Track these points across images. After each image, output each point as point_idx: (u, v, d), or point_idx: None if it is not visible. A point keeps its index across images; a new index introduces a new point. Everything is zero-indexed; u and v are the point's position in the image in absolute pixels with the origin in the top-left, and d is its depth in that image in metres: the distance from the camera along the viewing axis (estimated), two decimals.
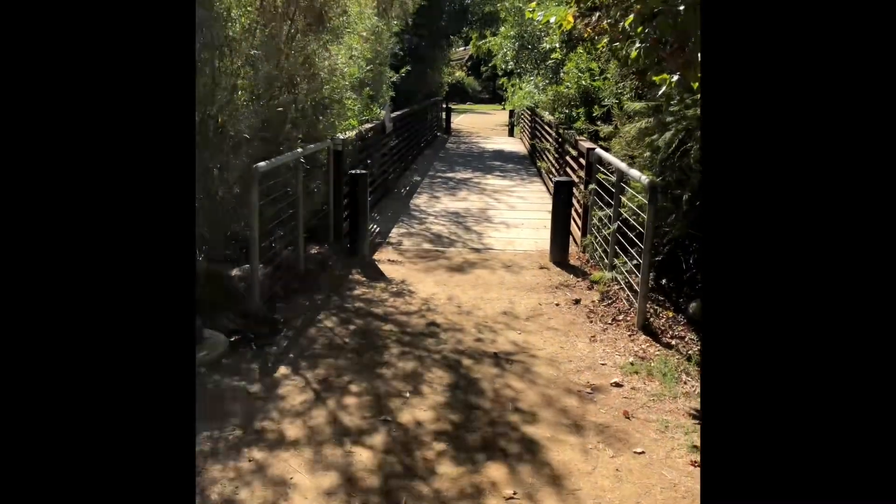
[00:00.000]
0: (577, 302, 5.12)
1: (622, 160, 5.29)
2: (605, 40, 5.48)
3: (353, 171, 6.37)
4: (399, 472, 2.89)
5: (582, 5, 4.82)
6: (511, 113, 19.55)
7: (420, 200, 9.23)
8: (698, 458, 2.98)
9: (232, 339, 4.11)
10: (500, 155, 15.14)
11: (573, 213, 6.55)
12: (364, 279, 5.62)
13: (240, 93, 5.24)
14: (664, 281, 5.19)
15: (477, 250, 6.66)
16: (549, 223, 6.40)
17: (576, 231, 6.76)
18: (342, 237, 6.54)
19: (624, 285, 5.10)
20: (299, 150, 5.34)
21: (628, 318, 4.68)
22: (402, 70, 11.25)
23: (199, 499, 2.64)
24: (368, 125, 8.23)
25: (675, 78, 3.34)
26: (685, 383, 3.78)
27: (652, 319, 4.63)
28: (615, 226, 5.28)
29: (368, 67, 8.85)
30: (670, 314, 4.73)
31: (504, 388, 3.71)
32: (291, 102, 5.70)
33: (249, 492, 2.73)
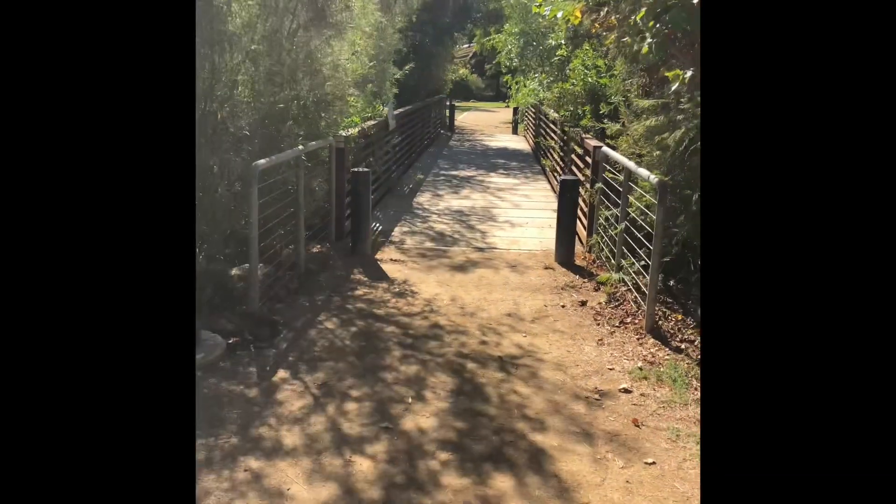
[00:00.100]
0: (583, 304, 5.00)
1: (630, 159, 5.17)
2: (613, 36, 5.38)
3: (356, 169, 6.26)
4: (401, 484, 2.78)
5: (590, 0, 4.70)
6: (515, 110, 19.43)
7: (423, 198, 9.12)
8: None
9: (230, 341, 4.01)
10: (503, 153, 15.04)
11: (579, 212, 6.43)
12: (366, 279, 5.51)
13: (240, 89, 5.14)
14: (672, 282, 5.07)
15: (480, 250, 6.54)
16: (554, 222, 6.29)
17: (581, 231, 6.63)
18: (344, 236, 6.44)
19: (631, 287, 4.98)
20: (300, 147, 5.23)
21: (636, 321, 4.57)
22: (406, 67, 11.16)
23: None
24: (371, 122, 8.12)
25: (689, 74, 3.22)
26: (696, 389, 3.66)
27: (661, 322, 4.52)
28: (623, 226, 5.16)
29: (371, 64, 8.76)
30: (679, 317, 4.61)
31: (510, 393, 3.60)
32: (293, 99, 5.60)
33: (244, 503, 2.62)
